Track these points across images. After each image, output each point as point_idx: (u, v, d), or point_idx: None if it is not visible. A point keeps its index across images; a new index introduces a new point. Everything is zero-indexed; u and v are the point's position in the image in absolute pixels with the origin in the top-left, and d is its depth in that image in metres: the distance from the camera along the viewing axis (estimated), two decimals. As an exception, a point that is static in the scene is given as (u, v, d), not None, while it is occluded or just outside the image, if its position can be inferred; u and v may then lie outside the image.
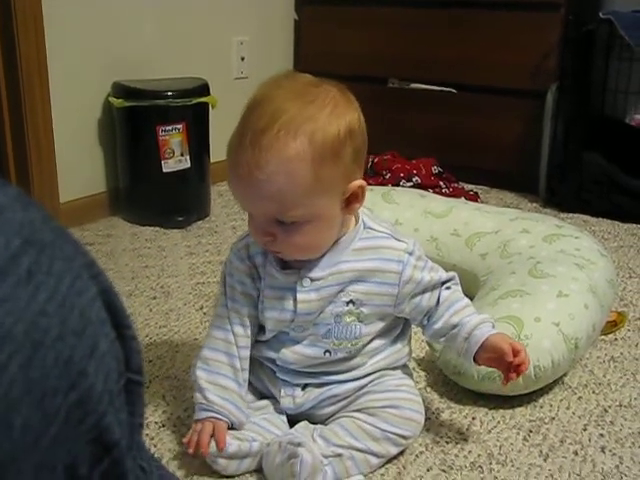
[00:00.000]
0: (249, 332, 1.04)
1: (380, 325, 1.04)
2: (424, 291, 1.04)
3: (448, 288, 1.06)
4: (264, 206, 0.92)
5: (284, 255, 0.99)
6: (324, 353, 1.03)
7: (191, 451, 0.99)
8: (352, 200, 0.96)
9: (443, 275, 1.06)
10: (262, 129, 0.89)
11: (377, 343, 1.06)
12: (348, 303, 1.01)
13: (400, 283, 1.01)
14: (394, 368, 1.09)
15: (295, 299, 1.00)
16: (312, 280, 1.00)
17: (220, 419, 1.01)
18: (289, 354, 1.04)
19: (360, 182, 0.96)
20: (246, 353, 1.05)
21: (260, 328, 1.06)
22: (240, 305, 1.04)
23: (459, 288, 1.08)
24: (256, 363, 1.08)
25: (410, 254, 1.01)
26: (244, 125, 0.92)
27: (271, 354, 1.06)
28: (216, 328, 1.05)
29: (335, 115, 0.92)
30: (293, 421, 1.06)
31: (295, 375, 1.06)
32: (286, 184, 0.90)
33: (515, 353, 1.01)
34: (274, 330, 1.04)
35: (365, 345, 1.05)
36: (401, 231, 1.09)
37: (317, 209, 0.93)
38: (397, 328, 1.08)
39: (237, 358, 1.03)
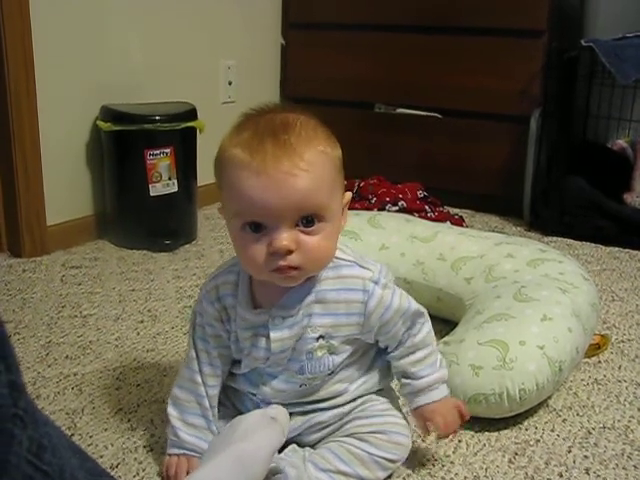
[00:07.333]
0: (219, 371, 1.06)
1: (352, 350, 1.03)
2: (392, 319, 1.01)
3: (415, 332, 1.03)
4: None
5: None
6: (300, 386, 1.03)
7: None
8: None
9: (413, 305, 1.03)
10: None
11: (354, 368, 1.06)
12: (318, 339, 1.00)
13: (365, 313, 0.99)
14: (378, 391, 1.09)
15: (268, 338, 0.99)
16: (284, 318, 0.99)
17: (194, 455, 1.04)
18: (267, 390, 1.04)
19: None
20: (215, 391, 1.06)
21: (235, 361, 1.07)
22: (211, 347, 1.05)
23: (425, 329, 1.05)
24: (239, 392, 1.09)
25: (376, 283, 0.99)
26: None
27: (250, 389, 1.07)
28: (185, 368, 1.07)
29: None
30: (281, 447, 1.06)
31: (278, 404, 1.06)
32: None
33: (445, 427, 1.05)
34: (250, 366, 1.05)
35: (338, 372, 1.04)
36: (370, 256, 1.05)
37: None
38: (372, 350, 1.08)
39: (205, 397, 1.05)
